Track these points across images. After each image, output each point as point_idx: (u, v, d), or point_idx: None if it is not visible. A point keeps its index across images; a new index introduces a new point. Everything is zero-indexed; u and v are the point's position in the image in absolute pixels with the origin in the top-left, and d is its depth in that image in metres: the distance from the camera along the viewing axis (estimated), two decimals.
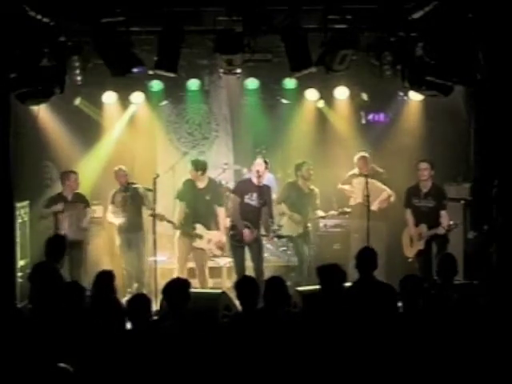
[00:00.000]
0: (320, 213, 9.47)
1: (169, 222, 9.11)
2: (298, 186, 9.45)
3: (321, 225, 10.38)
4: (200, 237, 9.13)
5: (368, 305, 5.80)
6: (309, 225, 9.44)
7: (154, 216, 8.81)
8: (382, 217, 9.81)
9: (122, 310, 6.06)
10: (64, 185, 9.32)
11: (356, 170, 10.04)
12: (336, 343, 5.17)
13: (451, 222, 8.71)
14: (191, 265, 9.47)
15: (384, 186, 9.91)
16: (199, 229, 9.13)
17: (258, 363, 5.03)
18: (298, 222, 9.34)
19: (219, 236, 9.23)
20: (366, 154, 10.04)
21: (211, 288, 9.31)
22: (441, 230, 8.67)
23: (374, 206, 9.66)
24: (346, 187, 10.08)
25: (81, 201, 9.39)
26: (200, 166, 9.16)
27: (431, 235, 8.73)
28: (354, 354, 5.07)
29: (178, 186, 9.32)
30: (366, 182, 9.20)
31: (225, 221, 9.33)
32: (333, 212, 9.62)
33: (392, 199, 9.83)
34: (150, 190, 9.01)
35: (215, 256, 9.40)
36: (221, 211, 9.32)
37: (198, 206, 9.15)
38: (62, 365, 4.06)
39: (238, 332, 5.30)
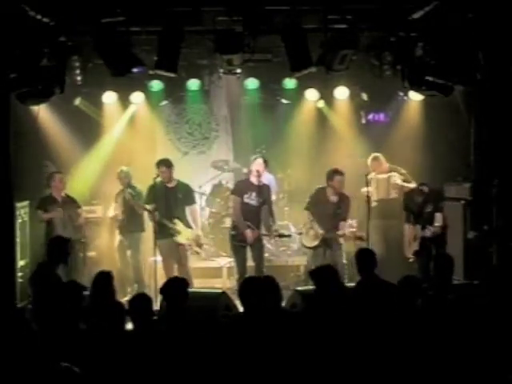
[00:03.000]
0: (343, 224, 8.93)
1: (148, 211, 9.09)
2: (325, 196, 9.08)
3: None
4: (179, 232, 9.11)
5: (371, 305, 5.80)
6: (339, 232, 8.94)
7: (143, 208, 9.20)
8: (397, 215, 9.74)
9: (122, 311, 6.06)
10: (50, 186, 9.32)
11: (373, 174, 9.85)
12: (336, 343, 5.17)
13: (436, 224, 8.64)
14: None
15: (386, 175, 9.84)
16: (178, 224, 9.12)
17: (258, 363, 5.03)
18: (315, 234, 9.05)
19: (196, 232, 9.24)
20: (379, 154, 9.99)
21: (211, 288, 9.31)
22: (427, 233, 8.62)
23: (392, 195, 9.73)
24: (365, 189, 9.40)
25: (71, 201, 9.40)
26: (161, 162, 9.13)
27: (423, 237, 8.70)
28: (353, 354, 5.07)
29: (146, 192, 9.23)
30: (366, 184, 9.11)
31: (199, 218, 9.47)
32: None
33: (399, 182, 9.77)
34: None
35: (195, 253, 9.30)
36: (194, 209, 9.40)
37: (171, 204, 9.15)
38: (65, 364, 4.05)
39: (238, 332, 5.30)
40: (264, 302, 5.43)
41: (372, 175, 9.79)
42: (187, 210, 9.30)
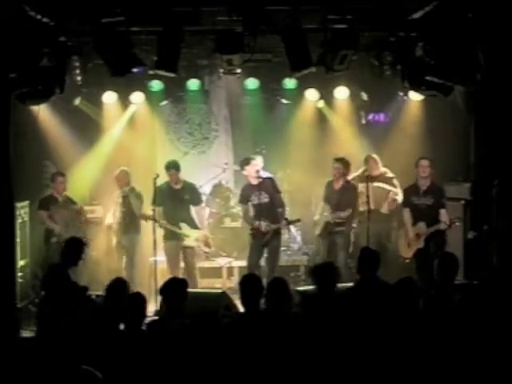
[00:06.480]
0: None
1: (155, 220, 9.03)
2: (331, 185, 9.35)
3: None
4: (187, 235, 9.15)
5: (370, 305, 5.79)
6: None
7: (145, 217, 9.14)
8: (392, 218, 9.66)
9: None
10: (52, 187, 9.46)
11: (360, 171, 9.68)
12: (335, 343, 5.17)
13: (452, 218, 8.65)
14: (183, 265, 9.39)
15: (389, 187, 9.53)
16: (185, 228, 9.17)
17: (258, 363, 5.03)
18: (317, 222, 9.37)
19: (204, 233, 9.36)
20: (376, 156, 9.74)
21: (212, 288, 9.31)
22: (443, 226, 8.59)
23: (384, 209, 9.48)
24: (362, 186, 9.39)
25: (71, 202, 9.50)
26: (171, 165, 9.19)
27: (431, 232, 8.66)
28: (353, 354, 5.07)
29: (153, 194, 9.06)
30: (367, 186, 9.00)
31: (205, 218, 9.54)
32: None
33: (399, 198, 9.40)
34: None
35: (205, 253, 9.38)
36: (201, 209, 9.44)
37: (178, 207, 9.19)
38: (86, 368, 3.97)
39: (238, 332, 5.30)
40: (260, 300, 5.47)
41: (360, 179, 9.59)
42: (193, 210, 9.35)
